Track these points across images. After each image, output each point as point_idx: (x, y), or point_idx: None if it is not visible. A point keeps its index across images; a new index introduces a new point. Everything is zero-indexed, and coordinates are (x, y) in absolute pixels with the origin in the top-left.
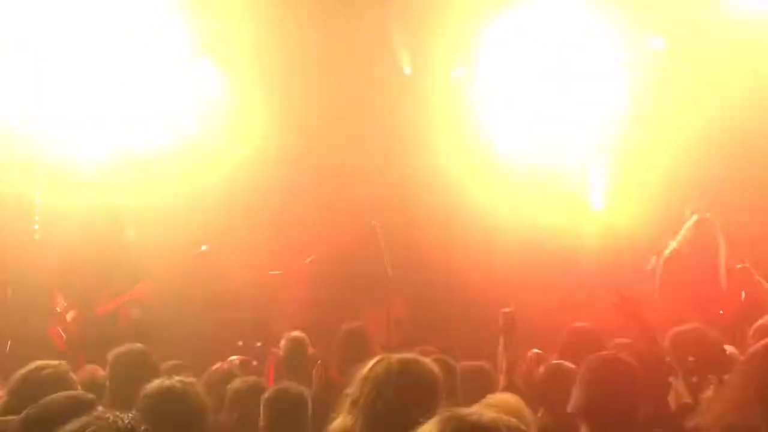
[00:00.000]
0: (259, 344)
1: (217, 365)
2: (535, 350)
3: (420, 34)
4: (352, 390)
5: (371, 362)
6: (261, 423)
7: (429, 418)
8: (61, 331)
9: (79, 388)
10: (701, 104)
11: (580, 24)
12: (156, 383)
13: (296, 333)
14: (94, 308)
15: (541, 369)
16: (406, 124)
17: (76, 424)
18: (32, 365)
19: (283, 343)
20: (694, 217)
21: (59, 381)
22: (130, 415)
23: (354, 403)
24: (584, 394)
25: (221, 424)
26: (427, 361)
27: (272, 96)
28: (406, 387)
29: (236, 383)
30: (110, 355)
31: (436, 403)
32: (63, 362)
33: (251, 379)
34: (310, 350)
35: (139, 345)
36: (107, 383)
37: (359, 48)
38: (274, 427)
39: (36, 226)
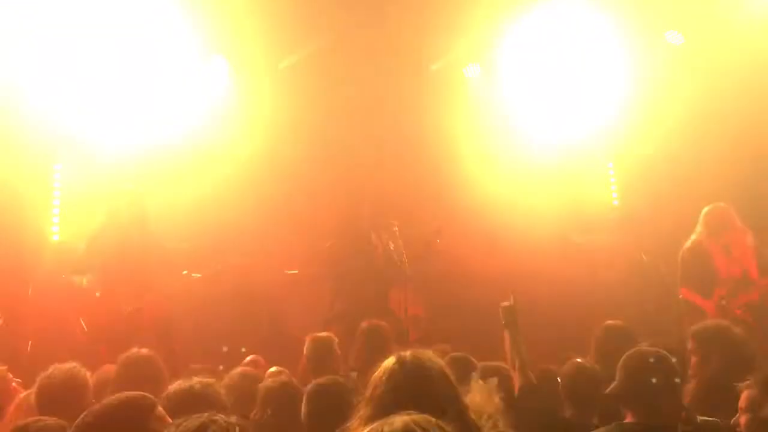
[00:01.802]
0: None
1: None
2: None
3: (438, 31)
4: (367, 388)
5: (386, 360)
6: (303, 416)
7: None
8: (83, 324)
9: None
10: (716, 99)
11: (597, 21)
12: (176, 384)
13: (322, 333)
14: (119, 304)
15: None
16: (422, 122)
17: (194, 422)
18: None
19: (307, 343)
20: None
21: None
22: (235, 419)
23: (368, 400)
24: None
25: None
26: (438, 358)
27: (285, 94)
28: (418, 383)
29: (268, 382)
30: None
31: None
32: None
33: (283, 377)
34: (336, 350)
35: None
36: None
37: (374, 45)
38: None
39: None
